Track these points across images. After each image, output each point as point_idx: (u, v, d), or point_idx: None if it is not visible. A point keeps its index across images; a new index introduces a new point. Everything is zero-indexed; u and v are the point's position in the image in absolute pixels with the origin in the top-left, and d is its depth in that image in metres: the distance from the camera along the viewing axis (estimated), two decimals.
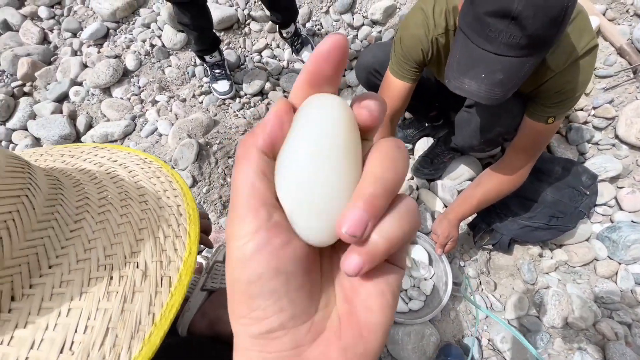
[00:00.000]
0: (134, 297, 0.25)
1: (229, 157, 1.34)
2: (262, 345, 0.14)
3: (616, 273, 1.15)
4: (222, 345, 0.62)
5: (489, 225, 1.17)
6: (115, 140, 1.39)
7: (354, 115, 0.15)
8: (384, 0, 1.54)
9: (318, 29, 1.61)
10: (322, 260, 0.17)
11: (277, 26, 1.44)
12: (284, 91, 1.51)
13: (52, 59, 1.54)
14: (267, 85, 1.48)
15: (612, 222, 1.21)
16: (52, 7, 1.59)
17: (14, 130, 1.40)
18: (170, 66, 1.52)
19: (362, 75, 1.13)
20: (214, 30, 1.34)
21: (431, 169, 1.29)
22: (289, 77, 1.50)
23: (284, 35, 1.47)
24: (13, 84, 1.45)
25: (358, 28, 1.58)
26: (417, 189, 1.31)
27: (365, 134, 0.16)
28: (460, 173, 1.29)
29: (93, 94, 1.47)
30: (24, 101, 1.43)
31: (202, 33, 1.27)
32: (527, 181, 0.95)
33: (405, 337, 1.04)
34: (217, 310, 0.90)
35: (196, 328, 0.70)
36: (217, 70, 1.41)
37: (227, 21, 1.53)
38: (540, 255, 1.20)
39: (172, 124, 1.36)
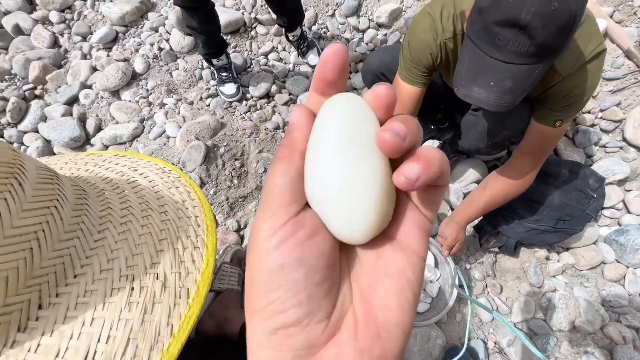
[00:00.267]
0: (153, 308, 0.25)
1: (236, 159, 1.35)
2: (277, 343, 0.14)
3: (624, 276, 1.14)
4: (229, 345, 0.62)
5: (495, 227, 1.17)
6: (124, 143, 1.41)
7: (371, 109, 0.16)
8: (389, 3, 1.54)
9: (324, 32, 1.61)
10: (340, 259, 0.17)
11: (284, 29, 1.45)
12: (290, 94, 1.51)
13: (62, 63, 1.57)
14: (274, 88, 1.49)
15: (619, 225, 1.20)
16: (62, 11, 1.62)
17: (25, 132, 1.43)
18: (178, 69, 1.54)
19: (368, 78, 1.13)
20: (221, 34, 1.35)
21: None
22: (295, 80, 1.51)
23: (290, 38, 1.48)
24: (25, 87, 1.48)
25: (364, 31, 1.58)
26: None
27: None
28: (466, 176, 1.29)
29: (102, 97, 1.49)
30: (35, 104, 1.46)
31: (209, 37, 1.29)
32: (534, 184, 0.95)
33: (410, 339, 1.04)
34: (225, 311, 0.91)
35: (204, 328, 0.71)
36: (224, 73, 1.43)
37: (234, 25, 1.54)
38: (547, 258, 1.20)
39: (180, 127, 1.37)
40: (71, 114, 1.44)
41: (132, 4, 1.56)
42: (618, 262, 1.16)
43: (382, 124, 0.16)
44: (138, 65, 1.50)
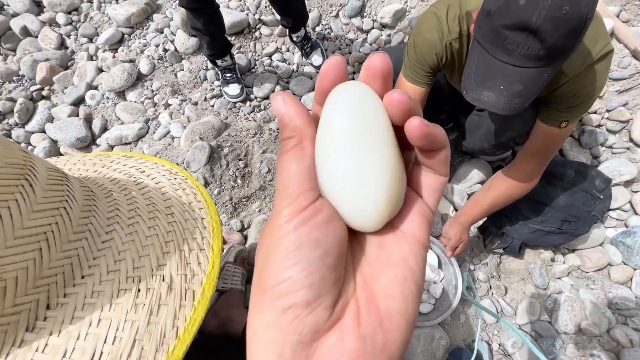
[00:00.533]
0: (159, 310, 0.26)
1: (240, 160, 1.36)
2: (284, 324, 0.14)
3: (631, 279, 1.13)
4: (232, 345, 0.63)
5: (500, 228, 1.16)
6: (129, 143, 1.42)
7: (377, 95, 0.16)
8: (393, 4, 1.53)
9: (328, 33, 1.61)
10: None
11: (288, 30, 1.46)
12: (294, 94, 1.52)
13: (69, 64, 1.58)
14: (277, 88, 1.50)
15: (626, 226, 1.19)
16: (69, 13, 1.63)
17: (32, 132, 1.45)
18: (182, 70, 1.55)
19: None
20: (225, 35, 1.36)
21: None
22: (299, 81, 1.51)
23: (294, 39, 1.48)
24: (32, 88, 1.50)
25: (367, 31, 1.58)
26: None
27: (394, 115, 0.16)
28: (470, 176, 1.28)
29: (108, 98, 1.50)
30: (42, 105, 1.47)
31: (214, 38, 1.29)
32: (539, 185, 0.94)
33: (414, 340, 1.04)
34: (228, 310, 0.91)
35: (207, 328, 0.71)
36: (228, 74, 1.43)
37: (238, 26, 1.55)
38: (552, 260, 1.19)
39: (185, 127, 1.38)
40: (77, 115, 1.46)
41: (138, 5, 1.57)
42: (625, 264, 1.14)
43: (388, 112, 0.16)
44: (143, 66, 1.51)
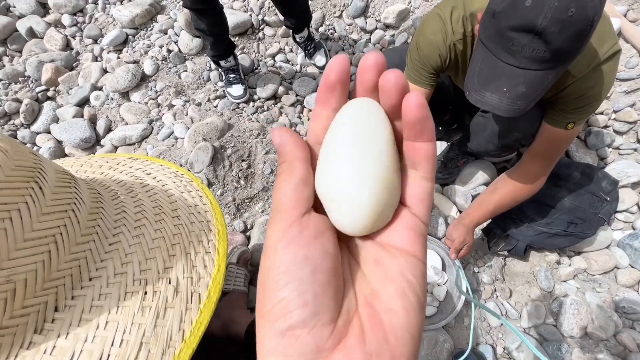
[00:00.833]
0: (166, 313, 0.26)
1: (243, 160, 1.36)
2: (285, 346, 0.14)
3: (638, 282, 1.12)
4: (234, 346, 0.62)
5: (504, 230, 1.15)
6: (133, 144, 1.43)
7: (384, 112, 0.17)
8: (397, 4, 1.53)
9: (331, 34, 1.61)
10: (343, 270, 0.17)
11: (291, 31, 1.46)
12: (297, 95, 1.52)
13: (74, 65, 1.59)
14: (281, 89, 1.50)
15: (634, 229, 1.18)
16: (74, 14, 1.64)
17: (37, 133, 1.46)
18: (186, 71, 1.55)
19: None
20: (229, 36, 1.36)
21: (445, 173, 1.28)
22: (302, 81, 1.51)
23: (297, 39, 1.48)
24: (37, 89, 1.51)
25: (371, 32, 1.58)
26: None
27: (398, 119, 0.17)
28: (474, 178, 1.27)
29: (112, 98, 1.51)
30: (47, 105, 1.49)
31: (218, 39, 1.30)
32: (544, 186, 0.94)
33: None
34: (231, 311, 0.91)
35: (209, 329, 0.71)
36: (232, 75, 1.44)
37: (242, 26, 1.55)
38: (558, 263, 1.18)
39: (188, 128, 1.39)
40: (82, 115, 1.47)
41: (142, 6, 1.58)
42: (632, 267, 1.13)
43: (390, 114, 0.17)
44: (147, 67, 1.52)
